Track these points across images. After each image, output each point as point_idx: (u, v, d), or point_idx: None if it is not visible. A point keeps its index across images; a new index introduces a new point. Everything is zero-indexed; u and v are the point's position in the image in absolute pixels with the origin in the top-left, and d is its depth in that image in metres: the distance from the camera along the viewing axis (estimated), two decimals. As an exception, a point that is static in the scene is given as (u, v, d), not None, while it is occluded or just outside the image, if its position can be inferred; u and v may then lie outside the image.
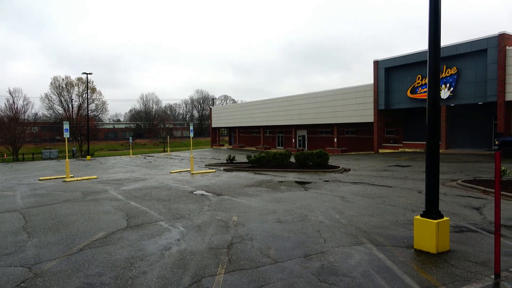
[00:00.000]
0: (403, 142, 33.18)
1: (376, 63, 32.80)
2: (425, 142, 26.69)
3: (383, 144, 33.59)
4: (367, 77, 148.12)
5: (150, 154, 48.33)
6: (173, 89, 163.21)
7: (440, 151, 27.00)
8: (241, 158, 28.25)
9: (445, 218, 5.77)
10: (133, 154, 46.23)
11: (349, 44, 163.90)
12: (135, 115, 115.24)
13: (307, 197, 10.91)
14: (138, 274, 5.09)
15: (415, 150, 30.41)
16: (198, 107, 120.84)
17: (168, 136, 62.22)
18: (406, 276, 4.79)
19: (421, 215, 5.88)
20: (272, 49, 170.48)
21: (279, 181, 14.85)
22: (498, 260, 4.71)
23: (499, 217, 4.70)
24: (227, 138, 75.28)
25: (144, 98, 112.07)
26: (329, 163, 21.24)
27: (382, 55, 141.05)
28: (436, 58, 5.84)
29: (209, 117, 71.98)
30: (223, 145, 64.10)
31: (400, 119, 34.19)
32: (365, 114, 34.35)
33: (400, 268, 5.07)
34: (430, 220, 5.67)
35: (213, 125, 62.73)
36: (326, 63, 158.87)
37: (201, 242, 6.54)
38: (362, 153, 34.83)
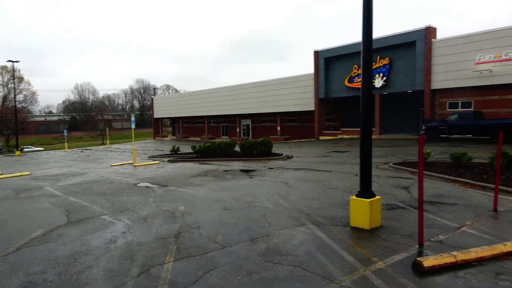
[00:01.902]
0: (341, 129, 34.90)
1: (316, 53, 33.94)
2: (358, 129, 28.23)
3: (323, 132, 35.06)
4: (305, 67, 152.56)
5: (88, 148, 45.89)
6: (111, 78, 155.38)
7: (375, 136, 28.90)
8: (185, 148, 27.93)
9: (377, 197, 6.33)
10: (68, 148, 43.58)
11: (286, 34, 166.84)
12: (69, 107, 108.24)
13: (252, 185, 11.20)
14: (83, 268, 4.99)
15: (352, 136, 32.17)
16: (138, 97, 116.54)
17: (107, 128, 59.29)
18: (343, 251, 5.23)
19: (356, 195, 6.39)
20: (212, 39, 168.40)
21: (224, 170, 15.00)
22: (422, 232, 5.30)
23: (422, 195, 5.28)
24: (170, 129, 73.63)
25: (79, 88, 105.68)
26: (273, 151, 21.78)
27: (321, 45, 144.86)
28: (369, 50, 6.31)
29: (150, 107, 69.72)
30: (166, 136, 62.65)
31: (338, 107, 35.86)
32: (306, 103, 35.53)
33: (338, 245, 5.51)
34: (364, 199, 6.19)
35: (155, 116, 60.98)
36: (265, 53, 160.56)
37: (148, 233, 6.52)
38: (304, 140, 36.08)
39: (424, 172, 11.67)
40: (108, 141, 49.78)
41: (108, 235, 6.49)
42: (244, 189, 10.41)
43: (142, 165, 18.67)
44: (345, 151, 20.81)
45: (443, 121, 22.82)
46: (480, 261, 4.74)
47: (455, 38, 24.77)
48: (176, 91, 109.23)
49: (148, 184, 12.14)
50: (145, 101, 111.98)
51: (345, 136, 33.16)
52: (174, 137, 59.24)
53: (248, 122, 47.37)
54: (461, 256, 4.71)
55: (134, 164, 18.84)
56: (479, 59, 23.35)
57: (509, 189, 8.81)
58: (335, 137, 33.68)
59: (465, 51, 24.05)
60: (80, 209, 8.75)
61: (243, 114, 45.32)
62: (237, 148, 22.47)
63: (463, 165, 11.97)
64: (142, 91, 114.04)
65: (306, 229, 6.35)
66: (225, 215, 7.52)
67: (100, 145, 55.90)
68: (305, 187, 10.41)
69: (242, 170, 14.85)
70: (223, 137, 51.09)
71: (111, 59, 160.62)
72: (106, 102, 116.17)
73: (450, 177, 10.74)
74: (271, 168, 15.10)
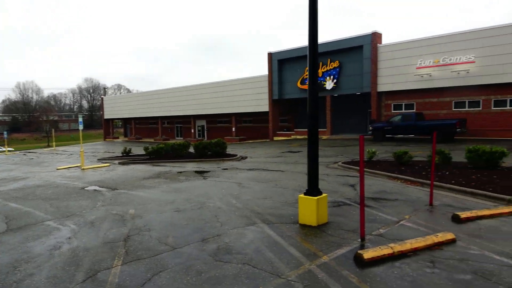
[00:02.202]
0: (295, 129, 35.73)
1: (270, 55, 34.48)
2: (313, 129, 28.76)
3: (277, 132, 35.67)
4: (259, 68, 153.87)
5: (31, 150, 43.18)
6: (57, 77, 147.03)
7: (326, 137, 29.94)
8: (138, 150, 27.20)
9: (323, 195, 6.62)
10: (9, 150, 40.72)
11: (241, 34, 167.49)
12: (10, 106, 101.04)
13: (206, 186, 11.20)
14: (24, 276, 4.77)
15: (305, 137, 32.86)
16: (87, 97, 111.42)
17: (53, 130, 56.07)
18: (291, 248, 5.43)
19: (304, 194, 6.64)
20: (166, 39, 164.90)
21: (178, 172, 14.84)
22: (363, 226, 5.64)
23: (363, 191, 5.61)
24: (122, 130, 71.13)
25: (21, 87, 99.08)
26: (227, 152, 21.85)
27: (276, 47, 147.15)
28: (315, 57, 6.59)
29: (100, 108, 66.90)
30: (117, 138, 60.49)
31: (292, 108, 36.68)
32: (261, 103, 35.98)
33: (286, 241, 5.71)
34: (311, 197, 6.45)
35: (106, 117, 58.64)
36: (220, 54, 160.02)
37: (95, 237, 6.33)
38: (259, 141, 36.49)
39: (369, 170, 12.38)
40: (54, 143, 47.16)
41: (52, 241, 6.23)
42: (197, 190, 10.39)
43: (91, 168, 17.94)
44: (298, 151, 21.35)
45: (388, 122, 24.14)
46: (415, 252, 5.14)
47: (398, 44, 26.30)
48: (128, 91, 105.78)
49: (97, 188, 11.72)
50: (94, 101, 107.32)
51: (298, 137, 33.97)
52: (126, 139, 57.37)
53: (203, 122, 47.03)
54: (397, 247, 5.08)
55: (82, 167, 18.06)
56: (420, 63, 24.99)
57: (444, 184, 9.56)
58: (289, 138, 34.41)
59: (408, 56, 25.62)
60: (22, 215, 8.29)
61: (198, 115, 44.93)
62: (191, 149, 22.28)
63: (405, 163, 12.78)
64: (91, 91, 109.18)
65: (257, 228, 6.50)
66: (176, 217, 7.48)
67: (45, 147, 52.78)
68: (257, 187, 10.59)
69: (196, 172, 14.77)
70: (177, 138, 50.29)
71: (58, 57, 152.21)
72: (52, 102, 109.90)
73: (393, 175, 11.42)
74: (225, 169, 15.15)
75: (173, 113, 46.68)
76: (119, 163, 19.64)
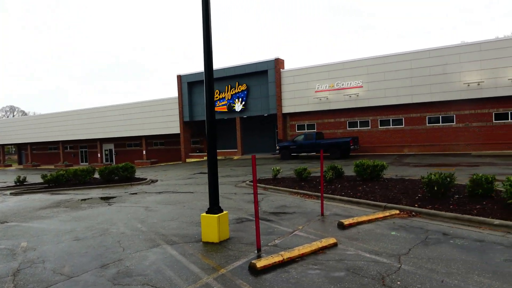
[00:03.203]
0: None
1: (180, 78, 34.65)
2: (224, 150, 29.64)
3: (190, 154, 35.60)
4: (169, 89, 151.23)
5: None
6: None
7: (237, 157, 30.86)
8: (35, 178, 24.86)
9: (224, 212, 7.04)
10: None
11: (148, 54, 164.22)
12: None
13: (110, 212, 10.85)
14: None
15: (217, 157, 33.53)
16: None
17: None
18: (192, 265, 5.69)
19: (206, 212, 6.99)
20: (65, 57, 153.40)
21: (81, 199, 14.04)
22: (259, 238, 6.16)
23: (257, 206, 6.18)
24: (16, 156, 63.80)
25: None
26: (137, 176, 21.27)
27: (183, 67, 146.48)
28: (211, 85, 7.10)
29: (-12, 132, 59.36)
30: (10, 165, 54.12)
31: (203, 130, 37.01)
32: (172, 125, 35.70)
33: (188, 259, 5.95)
34: (212, 215, 6.81)
35: (-4, 142, 52.27)
36: (125, 74, 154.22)
37: (-22, 276, 5.81)
38: (171, 163, 35.95)
39: (274, 187, 13.25)
40: None
41: None
42: (100, 217, 10.03)
43: (-25, 200, 15.91)
44: (209, 172, 21.65)
45: (293, 141, 25.93)
46: (302, 257, 5.79)
47: (299, 69, 28.65)
48: (24, 113, 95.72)
49: (-18, 222, 10.53)
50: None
51: (211, 158, 34.28)
52: (21, 166, 51.68)
53: (111, 146, 44.75)
54: (287, 254, 5.68)
55: (-37, 201, 15.90)
56: (318, 87, 27.51)
57: (335, 196, 10.73)
58: (202, 159, 34.57)
59: (307, 81, 28.03)
60: None
61: (105, 138, 42.65)
62: (97, 175, 21.14)
63: (305, 179, 13.93)
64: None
65: (160, 249, 6.62)
66: (75, 246, 7.20)
67: None
68: (165, 210, 10.62)
69: (101, 198, 14.14)
70: (82, 163, 46.95)
71: None
72: None
73: (294, 190, 12.41)
74: (133, 194, 14.77)
75: (77, 137, 43.63)
76: (11, 194, 17.76)
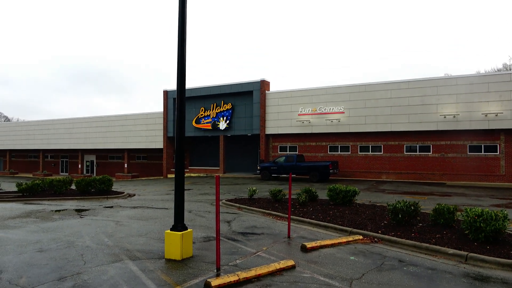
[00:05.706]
0: (189, 167, 36.00)
1: (166, 93, 34.89)
2: (206, 168, 29.72)
3: (172, 170, 35.46)
4: (153, 103, 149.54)
5: None
6: None
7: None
8: (10, 186, 24.41)
9: (188, 230, 7.16)
10: None
11: (131, 68, 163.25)
12: None
13: (80, 224, 10.81)
14: None
15: (199, 174, 33.55)
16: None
17: None
18: (149, 281, 5.77)
19: (170, 229, 7.09)
20: (43, 67, 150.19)
21: (53, 210, 13.90)
22: (219, 258, 6.28)
23: (219, 227, 6.33)
24: (-6, 163, 62.38)
25: None
26: (115, 189, 21.11)
27: (167, 82, 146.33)
28: (182, 99, 7.35)
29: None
30: (-13, 172, 52.81)
31: (187, 146, 37.07)
32: (155, 140, 35.68)
33: (146, 275, 6.03)
34: (176, 232, 6.92)
35: (-26, 147, 51.12)
36: (106, 86, 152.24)
37: None
38: (152, 178, 35.73)
39: (248, 207, 13.39)
40: None
41: None
42: (68, 230, 9.99)
43: None
44: (189, 189, 21.65)
45: (274, 162, 26.20)
46: (258, 277, 5.93)
47: (283, 92, 29.25)
48: (8, 119, 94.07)
49: None
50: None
51: (192, 174, 34.27)
52: (-2, 173, 50.47)
53: (92, 157, 44.28)
54: (243, 274, 5.82)
55: None
56: (301, 111, 28.06)
57: (305, 219, 10.92)
58: (184, 175, 34.45)
59: (291, 104, 28.59)
60: None
61: (87, 149, 42.25)
62: (74, 186, 20.91)
63: (279, 200, 14.12)
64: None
65: (121, 264, 6.67)
66: (37, 257, 7.19)
67: None
68: (135, 225, 10.63)
69: (75, 210, 14.03)
70: (62, 173, 46.21)
71: None
72: None
73: (267, 211, 12.56)
74: (107, 207, 14.69)
75: (59, 146, 43.08)
76: (-18, 201, 17.42)
